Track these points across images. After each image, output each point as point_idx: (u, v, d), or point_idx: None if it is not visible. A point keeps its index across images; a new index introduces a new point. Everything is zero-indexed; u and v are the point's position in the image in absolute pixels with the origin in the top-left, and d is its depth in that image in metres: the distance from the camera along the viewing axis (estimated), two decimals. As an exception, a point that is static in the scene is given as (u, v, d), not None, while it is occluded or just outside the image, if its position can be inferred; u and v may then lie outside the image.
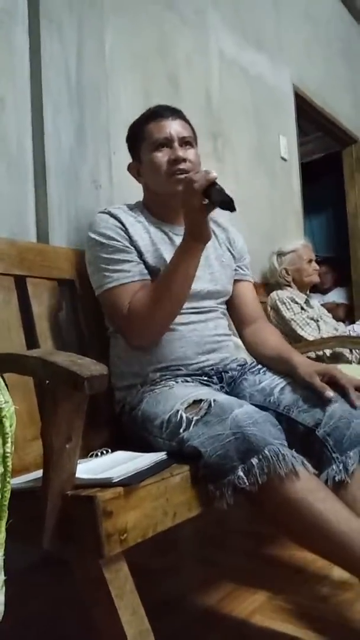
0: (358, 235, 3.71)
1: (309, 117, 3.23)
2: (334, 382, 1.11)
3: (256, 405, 1.04)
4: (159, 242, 1.25)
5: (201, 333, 1.25)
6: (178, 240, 1.21)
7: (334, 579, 1.24)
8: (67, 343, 1.28)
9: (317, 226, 4.73)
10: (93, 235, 1.22)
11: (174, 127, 1.25)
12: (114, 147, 1.62)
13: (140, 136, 1.28)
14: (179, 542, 1.57)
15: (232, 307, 1.39)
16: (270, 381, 1.20)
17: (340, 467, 1.00)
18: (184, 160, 1.23)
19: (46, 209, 1.41)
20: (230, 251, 1.39)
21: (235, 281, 1.39)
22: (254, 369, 1.26)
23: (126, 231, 1.22)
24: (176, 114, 1.28)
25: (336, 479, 1.00)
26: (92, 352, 1.27)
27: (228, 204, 1.01)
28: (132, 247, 1.21)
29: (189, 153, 1.25)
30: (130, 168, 1.35)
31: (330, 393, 1.08)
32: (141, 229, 1.25)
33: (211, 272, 1.30)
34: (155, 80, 1.93)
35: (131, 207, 1.31)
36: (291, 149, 2.86)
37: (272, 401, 1.14)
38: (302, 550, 1.22)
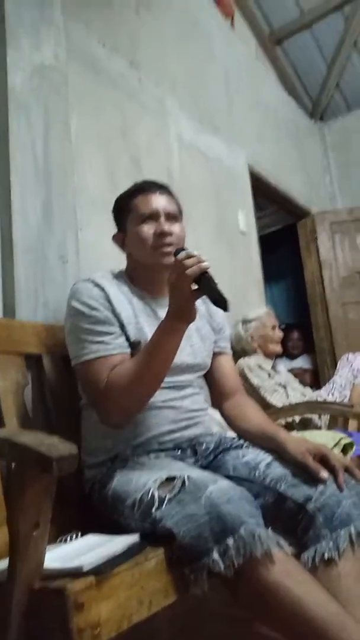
0: (317, 302, 3.84)
1: (265, 193, 3.43)
2: (324, 462, 1.09)
3: (240, 479, 1.01)
4: (141, 315, 1.24)
5: (177, 410, 1.22)
6: (161, 312, 1.21)
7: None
8: (33, 420, 1.24)
9: (277, 295, 4.89)
10: (75, 304, 1.19)
11: (160, 202, 1.27)
12: (80, 224, 1.67)
13: (127, 208, 1.29)
14: (154, 631, 1.46)
15: (211, 380, 1.37)
16: (255, 455, 1.17)
17: (330, 545, 0.97)
18: (170, 234, 1.24)
19: (13, 284, 1.41)
20: (210, 324, 1.38)
21: (215, 354, 1.37)
22: (235, 444, 1.23)
23: (109, 302, 1.19)
24: (163, 189, 1.30)
25: (325, 556, 0.96)
26: (59, 429, 1.23)
27: (223, 304, 1.00)
28: (114, 319, 1.19)
29: (175, 227, 1.26)
30: (115, 238, 1.34)
31: (324, 474, 1.06)
32: (124, 300, 1.23)
33: (191, 345, 1.28)
34: (119, 161, 2.03)
35: (115, 276, 1.30)
36: (249, 223, 3.01)
37: (257, 475, 1.11)
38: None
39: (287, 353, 4.16)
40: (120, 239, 1.33)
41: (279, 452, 1.15)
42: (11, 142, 1.50)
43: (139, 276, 1.30)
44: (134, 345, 1.19)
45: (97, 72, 2.03)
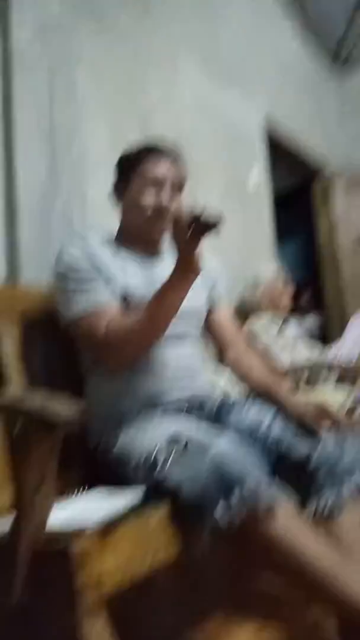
0: (329, 263, 3.79)
1: (279, 149, 3.32)
2: (323, 417, 1.11)
3: (244, 438, 1.03)
4: (129, 268, 1.25)
5: (177, 363, 1.23)
6: (155, 269, 1.24)
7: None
8: (39, 382, 1.26)
9: (289, 253, 4.81)
10: (58, 269, 1.21)
11: (169, 170, 1.25)
12: (86, 185, 1.63)
13: (134, 165, 1.27)
14: (158, 581, 1.52)
15: (211, 333, 1.37)
16: (258, 414, 1.18)
17: (333, 498, 0.99)
18: (169, 209, 1.24)
19: (17, 245, 1.40)
20: (205, 275, 1.36)
21: (212, 305, 1.37)
22: (238, 402, 1.25)
23: (91, 258, 1.20)
24: (175, 155, 1.28)
25: (326, 510, 0.99)
26: (65, 391, 1.24)
27: (209, 227, 1.03)
28: (97, 274, 1.20)
29: (175, 199, 1.26)
30: (114, 189, 1.32)
31: (323, 432, 1.08)
32: (108, 255, 1.24)
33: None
34: (128, 120, 1.96)
35: (102, 236, 1.30)
36: (262, 180, 2.93)
37: (261, 433, 1.12)
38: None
39: (297, 312, 4.13)
40: (119, 192, 1.31)
41: (280, 411, 1.17)
42: (15, 102, 1.47)
43: (130, 234, 1.30)
44: (122, 296, 1.20)
45: (104, 28, 1.93)
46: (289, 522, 0.90)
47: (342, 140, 4.09)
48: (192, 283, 1.12)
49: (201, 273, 1.35)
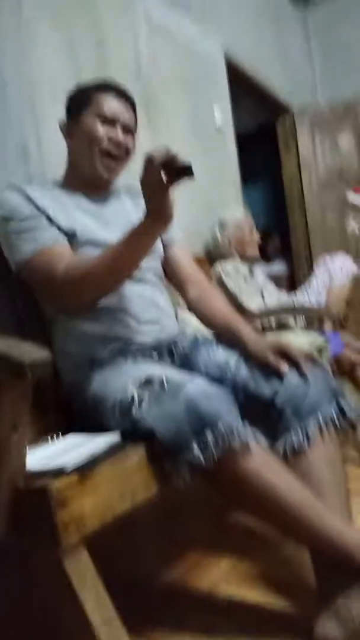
0: (295, 204, 3.76)
1: (242, 85, 3.21)
2: (284, 355, 1.11)
3: (213, 380, 1.02)
4: (70, 206, 1.22)
5: (138, 301, 1.21)
6: (101, 209, 1.22)
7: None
8: (4, 328, 1.21)
9: (255, 197, 4.76)
10: (0, 211, 1.17)
11: (123, 110, 1.24)
12: (40, 116, 1.52)
13: (87, 100, 1.23)
14: (138, 519, 1.56)
15: (169, 271, 1.35)
16: (225, 355, 1.18)
17: (300, 435, 1.01)
18: (124, 147, 1.23)
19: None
20: None
21: (165, 245, 1.35)
22: (206, 344, 1.24)
23: (30, 198, 1.17)
24: (128, 98, 1.27)
25: (295, 446, 1.01)
26: (32, 337, 1.20)
27: (186, 170, 0.97)
28: (39, 213, 1.16)
29: (128, 139, 1.25)
30: (62, 125, 1.27)
31: (284, 367, 1.08)
32: (49, 196, 1.21)
33: None
34: (81, 45, 1.82)
35: (43, 183, 1.28)
36: (226, 118, 2.84)
37: (229, 375, 1.13)
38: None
39: (264, 257, 4.14)
40: (68, 127, 1.26)
41: (242, 349, 1.16)
42: None
43: (79, 173, 1.27)
44: (69, 234, 1.17)
45: None
46: (260, 459, 0.92)
47: (308, 73, 3.99)
48: (163, 230, 1.08)
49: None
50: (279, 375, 1.08)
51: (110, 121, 1.21)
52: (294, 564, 1.19)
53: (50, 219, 1.17)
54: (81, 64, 1.73)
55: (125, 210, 1.30)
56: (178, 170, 0.98)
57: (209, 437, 0.88)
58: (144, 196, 1.03)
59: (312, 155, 3.71)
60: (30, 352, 0.73)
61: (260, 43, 3.36)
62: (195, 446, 0.88)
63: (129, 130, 1.25)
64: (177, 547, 1.35)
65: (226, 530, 1.43)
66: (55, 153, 1.43)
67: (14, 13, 1.50)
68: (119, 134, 1.22)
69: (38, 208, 1.17)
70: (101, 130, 1.21)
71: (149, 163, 0.98)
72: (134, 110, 1.28)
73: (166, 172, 0.98)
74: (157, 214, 1.03)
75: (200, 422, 0.89)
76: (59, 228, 1.17)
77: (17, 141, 1.44)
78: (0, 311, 1.23)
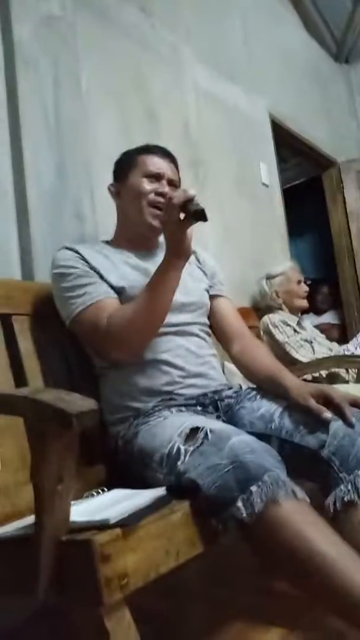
0: (344, 255, 3.74)
1: (288, 143, 3.30)
2: (328, 402, 1.08)
3: (258, 433, 1.01)
4: (122, 265, 1.27)
5: (184, 354, 1.23)
6: (147, 264, 1.26)
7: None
8: (57, 380, 1.25)
9: (302, 249, 4.77)
10: (53, 271, 1.24)
11: (166, 167, 1.32)
12: (96, 181, 1.63)
13: (133, 162, 1.32)
14: (184, 583, 1.50)
15: (215, 325, 1.38)
16: (269, 407, 1.17)
17: (349, 487, 0.97)
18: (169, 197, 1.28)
19: (30, 245, 1.40)
20: (200, 269, 1.41)
21: (212, 297, 1.38)
22: (250, 396, 1.23)
23: (83, 258, 1.23)
24: (171, 157, 1.35)
25: (345, 499, 0.96)
26: (83, 389, 1.23)
27: (200, 214, 1.05)
28: (92, 271, 1.22)
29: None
30: (111, 187, 1.36)
31: (327, 414, 1.05)
32: (100, 256, 1.27)
33: (184, 286, 1.27)
34: (134, 115, 1.96)
35: (93, 244, 1.35)
36: (272, 174, 2.91)
37: (274, 427, 1.11)
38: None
39: (314, 309, 4.09)
40: (117, 189, 1.34)
41: (286, 398, 1.15)
42: (20, 99, 1.47)
43: (128, 230, 1.33)
44: (119, 291, 1.22)
45: (107, 21, 1.93)
46: (299, 509, 0.88)
47: (353, 129, 4.06)
48: (183, 266, 1.15)
49: (197, 265, 1.39)
50: (323, 423, 1.04)
51: (155, 177, 1.29)
52: (349, 637, 1.10)
53: (101, 276, 1.22)
54: (134, 134, 1.85)
55: None
56: (194, 213, 1.06)
57: (254, 489, 0.86)
58: (164, 234, 1.12)
59: (359, 205, 3.72)
60: (77, 402, 0.74)
61: (305, 102, 3.46)
62: (240, 500, 0.86)
63: (174, 184, 1.32)
64: (222, 612, 1.28)
65: (277, 596, 1.35)
66: (107, 218, 1.51)
67: (76, 91, 1.64)
68: (164, 187, 1.29)
69: (90, 266, 1.23)
70: (147, 185, 1.28)
71: (169, 204, 1.07)
72: (177, 167, 1.35)
73: (186, 212, 1.06)
74: (176, 250, 1.12)
75: (245, 475, 0.88)
76: (110, 285, 1.22)
77: (72, 208, 1.54)
78: (52, 367, 1.26)
